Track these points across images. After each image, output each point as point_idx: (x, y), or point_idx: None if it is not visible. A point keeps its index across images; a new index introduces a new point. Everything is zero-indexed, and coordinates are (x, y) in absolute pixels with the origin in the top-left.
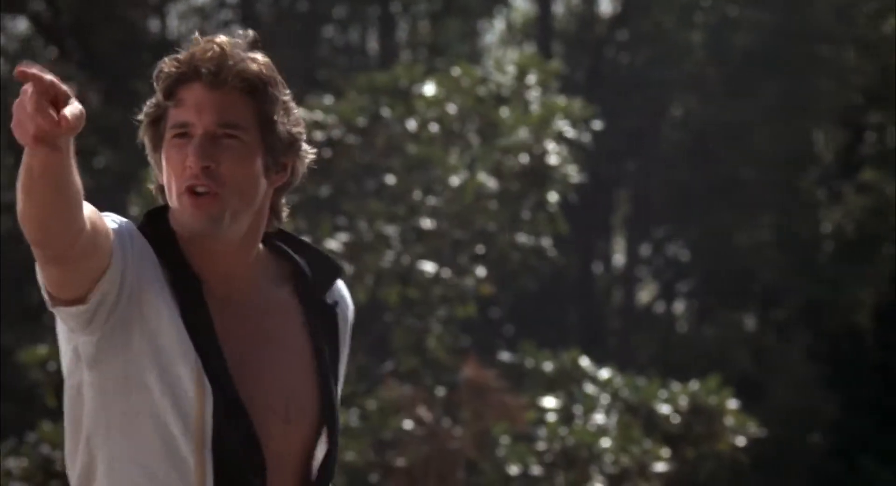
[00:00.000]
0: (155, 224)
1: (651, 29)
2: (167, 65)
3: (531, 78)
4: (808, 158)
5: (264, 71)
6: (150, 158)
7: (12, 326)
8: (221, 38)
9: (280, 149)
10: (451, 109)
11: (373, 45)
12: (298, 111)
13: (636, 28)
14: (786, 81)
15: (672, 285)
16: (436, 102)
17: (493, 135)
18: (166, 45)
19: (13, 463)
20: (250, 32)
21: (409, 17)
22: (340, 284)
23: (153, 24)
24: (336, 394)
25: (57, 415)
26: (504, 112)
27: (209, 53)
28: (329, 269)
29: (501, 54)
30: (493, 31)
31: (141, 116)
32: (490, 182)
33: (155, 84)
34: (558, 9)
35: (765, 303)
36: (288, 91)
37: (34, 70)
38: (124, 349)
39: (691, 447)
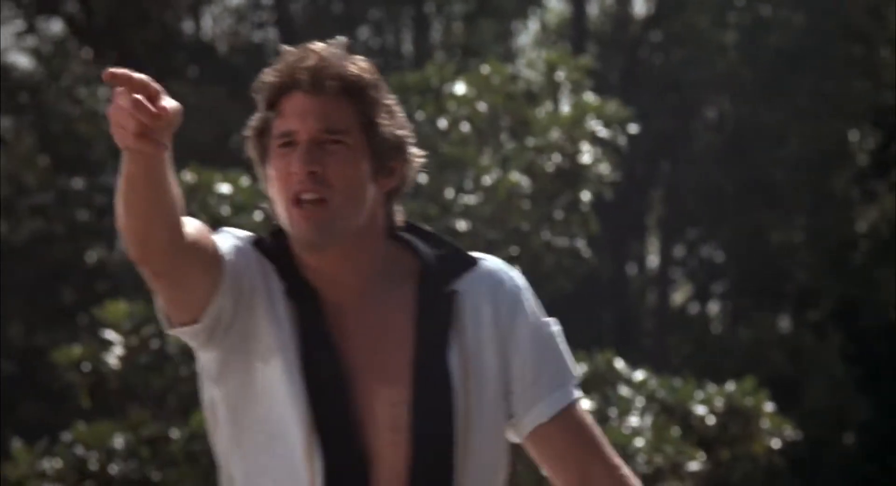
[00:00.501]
0: (275, 236)
1: (684, 29)
2: (266, 75)
3: (561, 75)
4: (842, 157)
5: (365, 74)
6: (259, 174)
7: (46, 326)
8: (318, 44)
9: (386, 152)
10: (482, 107)
11: (407, 46)
12: (402, 114)
13: (670, 29)
14: (819, 80)
15: (706, 286)
16: (467, 100)
17: (524, 134)
18: (200, 47)
19: (47, 464)
20: (344, 39)
21: (442, 18)
22: (480, 273)
23: (187, 26)
24: (438, 393)
25: (91, 415)
26: (536, 111)
27: (307, 60)
28: (458, 261)
29: (535, 55)
30: (527, 32)
31: (246, 131)
32: (523, 181)
33: (256, 96)
34: (592, 9)
35: (799, 303)
36: (391, 94)
37: (122, 71)
38: (245, 363)
39: (726, 449)
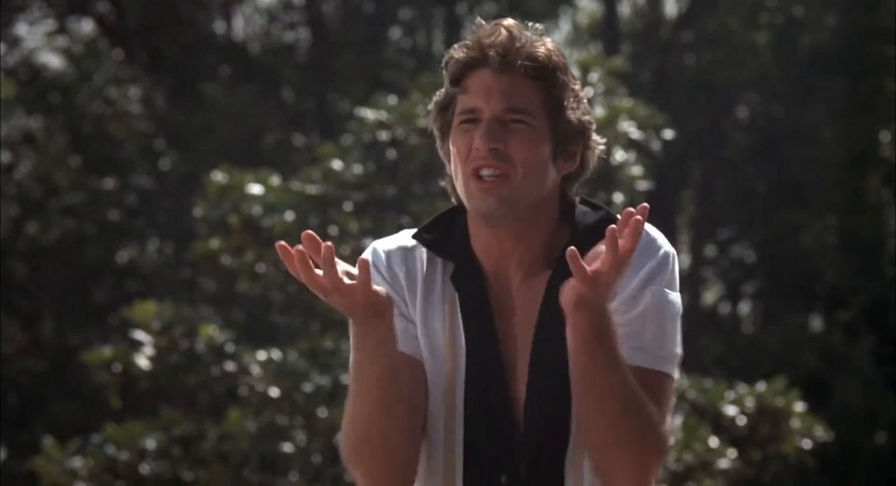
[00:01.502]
0: (448, 216)
1: (717, 30)
2: (456, 51)
3: (594, 76)
4: (874, 158)
5: (553, 56)
6: (440, 149)
7: (78, 326)
8: (509, 22)
9: (568, 136)
10: None
11: (439, 46)
12: (586, 101)
13: (702, 29)
14: (851, 81)
15: (737, 287)
16: None
17: None
18: (232, 47)
19: (78, 463)
20: (538, 25)
21: (474, 18)
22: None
23: (219, 26)
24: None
25: (122, 415)
26: None
27: (497, 38)
28: (596, 228)
29: (568, 56)
30: (559, 32)
31: (430, 105)
32: None
33: (443, 71)
34: (624, 10)
35: (830, 304)
36: (577, 79)
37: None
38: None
39: (757, 449)
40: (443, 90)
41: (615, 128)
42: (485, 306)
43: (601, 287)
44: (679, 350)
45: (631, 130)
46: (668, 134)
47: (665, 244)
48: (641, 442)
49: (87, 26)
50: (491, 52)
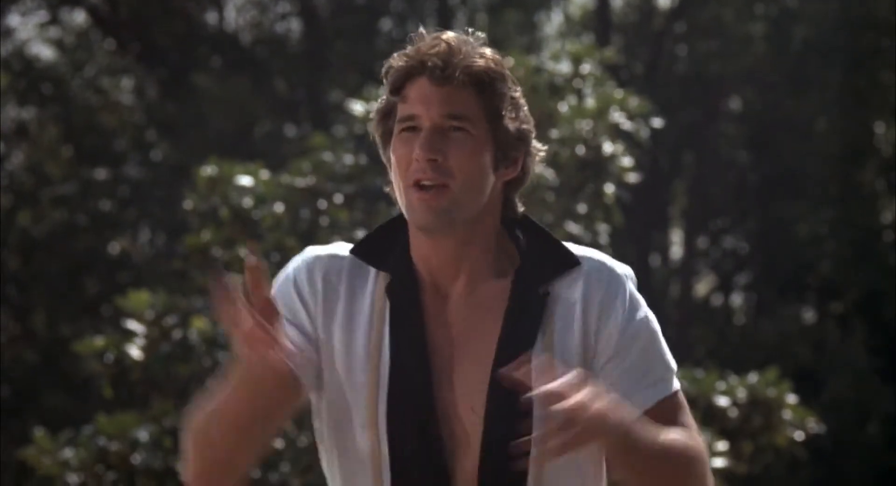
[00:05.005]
0: (389, 226)
1: (710, 21)
2: (395, 60)
3: (586, 67)
4: (868, 149)
5: (492, 66)
6: (382, 157)
7: (70, 317)
8: (448, 34)
9: (509, 144)
10: None
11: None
12: (526, 108)
13: (694, 20)
14: (846, 72)
15: (730, 278)
16: None
17: (548, 125)
18: (224, 38)
19: (70, 454)
20: (479, 34)
21: (466, 9)
22: (579, 274)
23: (211, 17)
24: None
25: (114, 406)
26: (560, 103)
27: (436, 48)
28: (558, 261)
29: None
30: (551, 23)
31: (372, 114)
32: (547, 174)
33: (383, 80)
34: (616, 1)
35: (823, 295)
36: (518, 88)
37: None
38: (320, 399)
39: (749, 441)
40: (383, 98)
41: (606, 119)
42: (416, 315)
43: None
44: (673, 362)
45: (622, 121)
46: (657, 122)
47: (613, 269)
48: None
49: (79, 17)
50: (430, 63)
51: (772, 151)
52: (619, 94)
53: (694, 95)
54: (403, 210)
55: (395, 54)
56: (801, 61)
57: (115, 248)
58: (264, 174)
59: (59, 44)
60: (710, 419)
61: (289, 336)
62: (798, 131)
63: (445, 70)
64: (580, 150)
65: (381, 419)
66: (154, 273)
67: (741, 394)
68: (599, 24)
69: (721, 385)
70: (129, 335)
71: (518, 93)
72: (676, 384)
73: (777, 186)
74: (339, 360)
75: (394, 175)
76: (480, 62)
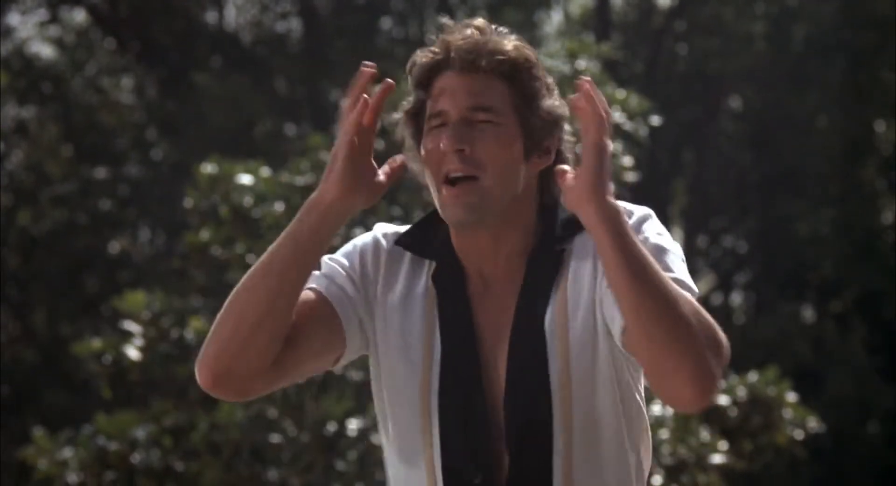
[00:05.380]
0: (429, 222)
1: (710, 19)
2: (421, 55)
3: (582, 63)
4: (869, 148)
5: (519, 54)
6: (413, 159)
7: (70, 316)
8: (478, 21)
9: (540, 131)
10: None
11: (431, 37)
12: (557, 94)
13: (694, 18)
14: (847, 70)
15: (730, 277)
16: None
17: None
18: (224, 37)
19: (69, 454)
20: (503, 28)
21: (467, 8)
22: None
23: (211, 16)
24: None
25: (113, 406)
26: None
27: (462, 39)
28: (574, 221)
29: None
30: (551, 21)
31: (399, 113)
32: None
33: (409, 76)
34: (616, 0)
35: (823, 294)
36: (548, 75)
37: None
38: (377, 364)
39: (749, 440)
40: (411, 98)
41: None
42: (462, 303)
43: (602, 156)
44: (691, 281)
45: (621, 120)
46: (656, 120)
47: (639, 208)
48: (696, 332)
49: (79, 16)
50: (454, 54)
51: (772, 149)
52: (619, 93)
53: (694, 93)
54: (439, 209)
55: (421, 49)
56: (802, 60)
57: (115, 247)
58: (264, 173)
59: (59, 43)
60: (710, 417)
61: (346, 290)
62: (798, 130)
63: (472, 60)
64: (579, 149)
65: (433, 397)
66: (154, 272)
67: (741, 393)
68: (599, 22)
69: (721, 384)
70: (127, 336)
71: (550, 80)
72: (693, 293)
73: (777, 185)
74: (395, 337)
75: (427, 175)
76: (507, 47)
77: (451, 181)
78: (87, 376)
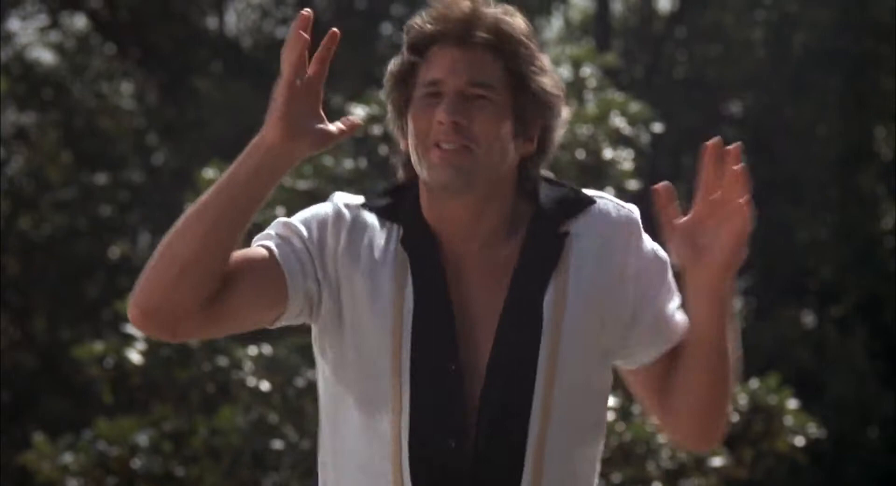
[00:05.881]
0: (397, 191)
1: (710, 26)
2: (418, 22)
3: (586, 71)
4: (868, 154)
5: (518, 31)
6: (392, 123)
7: (70, 321)
8: None
9: (530, 113)
10: None
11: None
12: (556, 76)
13: (694, 25)
14: (846, 77)
15: None
16: None
17: None
18: (224, 42)
19: (70, 459)
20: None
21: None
22: (594, 213)
23: (211, 21)
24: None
25: (113, 411)
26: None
27: (461, 11)
28: (573, 202)
29: (560, 51)
30: (551, 28)
31: (385, 76)
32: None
33: (404, 40)
34: (616, 6)
35: (823, 299)
36: (544, 56)
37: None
38: (338, 339)
39: (750, 447)
40: (400, 60)
41: (606, 124)
42: (437, 268)
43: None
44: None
45: (622, 125)
46: (658, 127)
47: (627, 207)
48: (726, 406)
49: (79, 21)
50: (455, 26)
51: (771, 155)
52: (619, 98)
53: (694, 99)
54: (422, 172)
55: (418, 16)
56: (801, 66)
57: (115, 252)
58: None
59: (59, 48)
60: None
61: (299, 255)
62: (798, 136)
63: (471, 33)
64: (580, 154)
65: (405, 363)
66: None
67: (742, 401)
68: (599, 28)
69: None
70: (129, 340)
71: (545, 59)
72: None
73: (777, 191)
74: (363, 305)
75: (411, 140)
76: (506, 27)
77: (444, 148)
78: (87, 381)
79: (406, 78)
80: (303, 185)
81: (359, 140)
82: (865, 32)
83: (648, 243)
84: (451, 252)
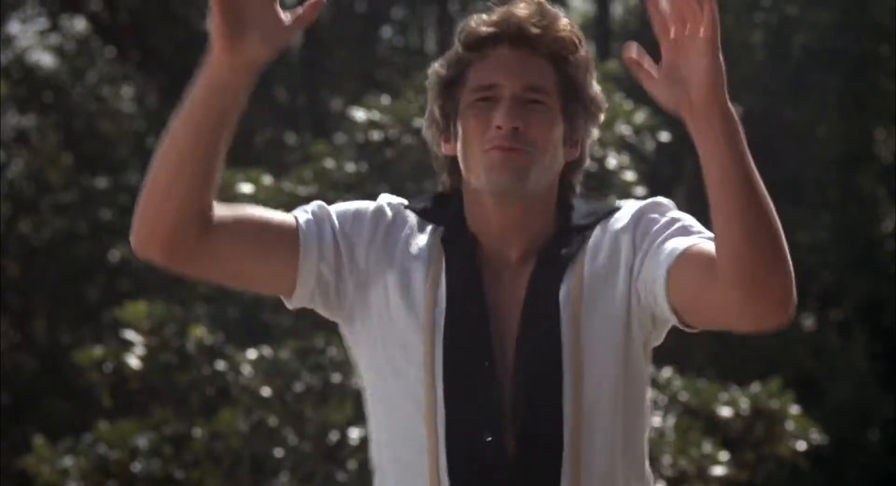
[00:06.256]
0: (438, 199)
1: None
2: (475, 22)
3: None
4: (868, 156)
5: (573, 37)
6: (433, 131)
7: (70, 325)
8: (531, 0)
9: (579, 119)
10: None
11: (431, 45)
12: (599, 91)
13: None
14: (846, 79)
15: None
16: None
17: None
18: None
19: (70, 462)
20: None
21: (467, 17)
22: (614, 217)
23: None
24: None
25: (114, 414)
26: None
27: (518, 15)
28: (597, 212)
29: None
30: None
31: (431, 79)
32: None
33: (458, 42)
34: (616, 9)
35: (824, 302)
36: (594, 67)
37: None
38: (366, 335)
39: (751, 451)
40: (454, 60)
41: (612, 131)
42: (474, 269)
43: (719, 54)
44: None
45: (627, 133)
46: (665, 136)
47: (646, 199)
48: (783, 258)
49: (79, 24)
50: (511, 28)
51: (771, 157)
52: (626, 106)
53: None
54: (477, 175)
55: (475, 17)
56: (801, 68)
57: (115, 255)
58: (266, 181)
59: (59, 51)
60: (712, 429)
61: (324, 241)
62: (798, 138)
63: (528, 37)
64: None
65: (438, 358)
66: (154, 281)
67: (744, 405)
68: (600, 32)
69: (723, 396)
70: (128, 345)
71: (593, 70)
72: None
73: (777, 193)
74: (395, 302)
75: (463, 144)
76: (563, 32)
77: (502, 149)
78: (87, 384)
79: (456, 81)
80: (303, 190)
81: (359, 144)
82: (865, 33)
83: (658, 213)
84: (490, 256)
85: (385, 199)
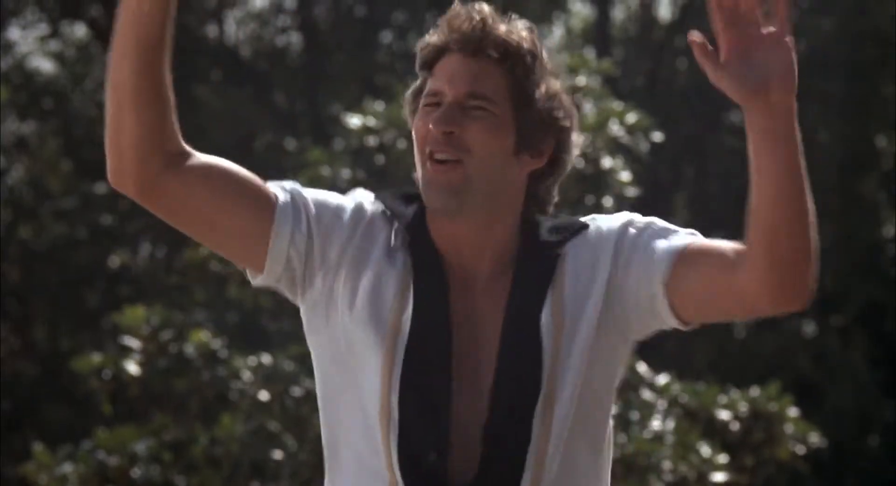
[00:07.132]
0: (407, 197)
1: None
2: (430, 36)
3: (582, 79)
4: (870, 162)
5: (525, 43)
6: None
7: (70, 330)
8: (483, 6)
9: (533, 129)
10: None
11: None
12: (566, 99)
13: None
14: (847, 84)
15: None
16: None
17: None
18: (224, 51)
19: (69, 469)
20: (515, 16)
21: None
22: (587, 233)
23: (211, 30)
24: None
25: (112, 422)
26: None
27: (469, 22)
28: (567, 227)
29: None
30: (553, 36)
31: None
32: None
33: (417, 55)
34: (617, 14)
35: (824, 308)
36: (559, 75)
37: None
38: (325, 324)
39: (750, 455)
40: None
41: (605, 132)
42: (441, 281)
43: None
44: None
45: (621, 134)
46: (658, 137)
47: (619, 215)
48: (816, 247)
49: (79, 30)
50: (460, 36)
51: None
52: (618, 107)
53: (694, 107)
54: (422, 189)
55: (432, 29)
56: (802, 74)
57: (115, 261)
58: None
59: (59, 57)
60: (711, 432)
61: (300, 224)
62: None
63: (474, 42)
64: (579, 163)
65: (396, 369)
66: (154, 287)
67: (743, 408)
68: (599, 36)
69: (722, 399)
70: (127, 351)
71: (556, 79)
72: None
73: None
74: (362, 299)
75: (415, 153)
76: (514, 37)
77: (436, 160)
78: (87, 390)
79: (418, 93)
80: None
81: (356, 151)
82: (866, 40)
83: (637, 225)
84: (460, 267)
85: (362, 195)
